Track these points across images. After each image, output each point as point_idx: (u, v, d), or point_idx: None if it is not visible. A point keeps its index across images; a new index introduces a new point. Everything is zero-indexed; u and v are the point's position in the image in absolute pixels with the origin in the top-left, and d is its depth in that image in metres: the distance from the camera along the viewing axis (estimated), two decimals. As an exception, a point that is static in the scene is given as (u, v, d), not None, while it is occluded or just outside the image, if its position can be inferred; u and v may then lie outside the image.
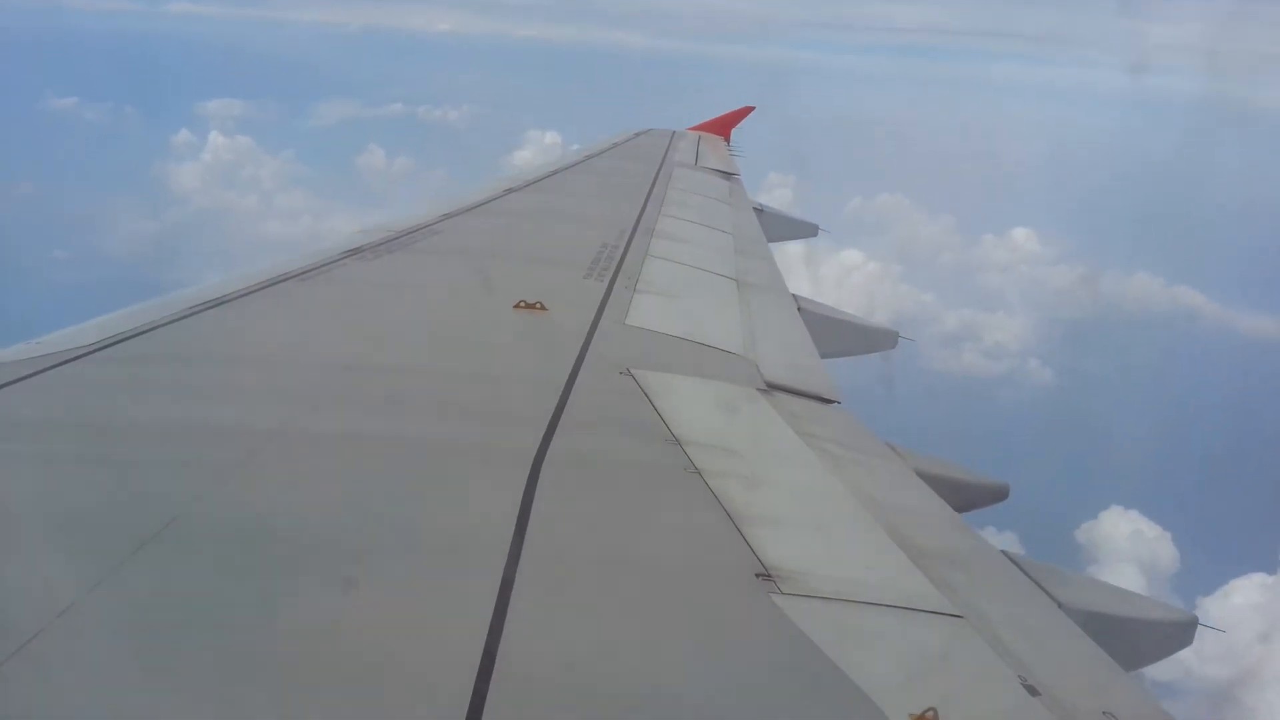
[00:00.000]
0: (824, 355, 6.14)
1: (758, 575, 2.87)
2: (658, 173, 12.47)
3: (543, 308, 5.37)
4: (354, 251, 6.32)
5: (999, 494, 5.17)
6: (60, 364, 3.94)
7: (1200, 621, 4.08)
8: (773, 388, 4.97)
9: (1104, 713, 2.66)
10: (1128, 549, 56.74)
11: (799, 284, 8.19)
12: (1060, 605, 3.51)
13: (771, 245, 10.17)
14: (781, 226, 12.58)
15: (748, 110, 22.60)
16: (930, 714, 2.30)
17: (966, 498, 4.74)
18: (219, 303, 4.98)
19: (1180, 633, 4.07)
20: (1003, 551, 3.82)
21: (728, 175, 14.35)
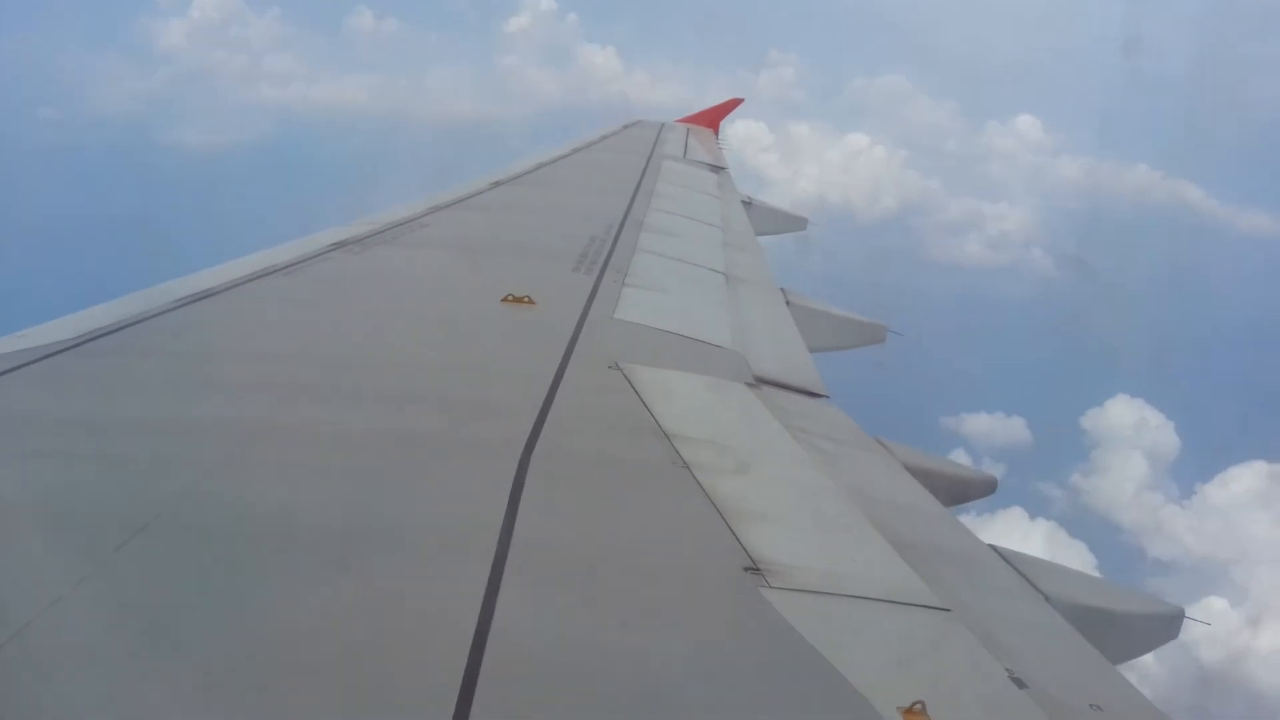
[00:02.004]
0: (811, 350, 6.15)
1: (746, 569, 2.87)
2: (646, 165, 12.45)
3: (531, 301, 5.35)
4: (341, 244, 6.29)
5: (987, 488, 5.20)
6: (43, 358, 3.90)
7: (1186, 615, 4.10)
8: (761, 382, 4.97)
9: (1091, 705, 2.67)
10: (1131, 436, 58.87)
11: (786, 277, 8.20)
12: (1047, 599, 3.53)
13: (760, 239, 10.17)
14: (770, 220, 12.58)
15: (736, 102, 22.63)
16: (918, 707, 2.30)
17: (955, 492, 4.77)
18: (204, 296, 4.95)
19: (1166, 626, 4.09)
20: (990, 546, 3.84)
21: (716, 168, 14.34)
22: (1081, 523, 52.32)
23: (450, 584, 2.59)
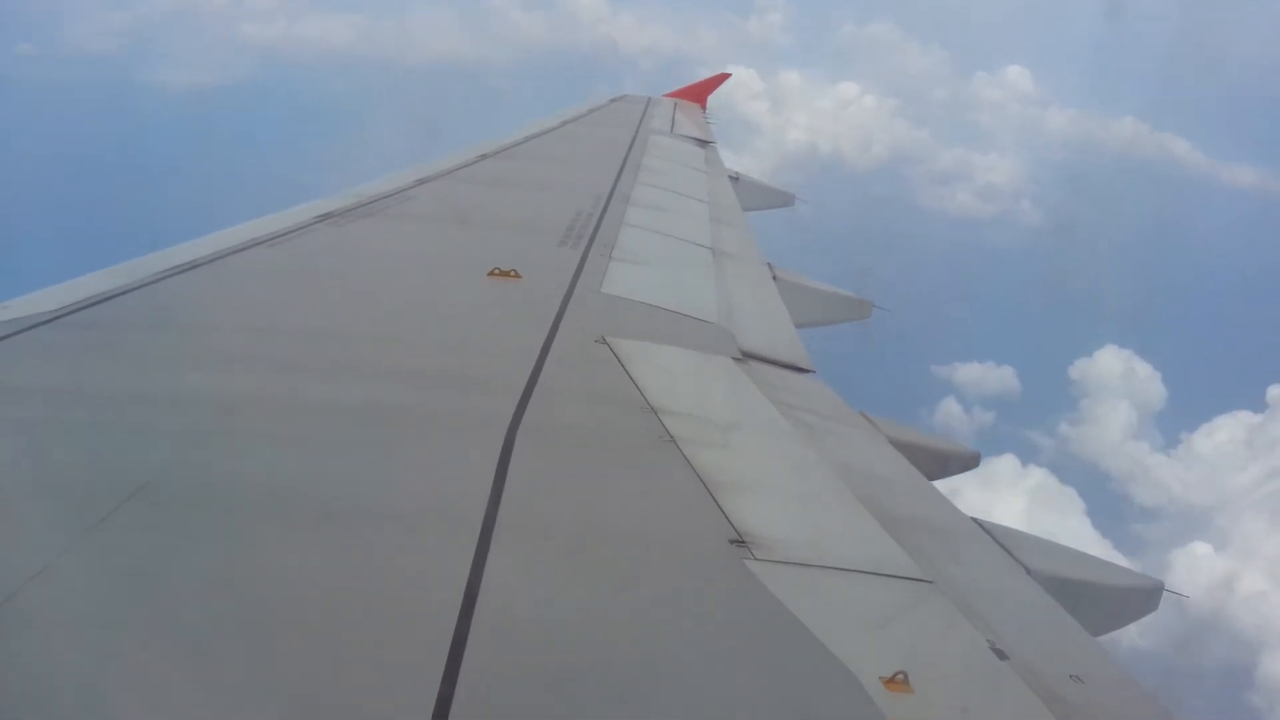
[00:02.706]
0: (797, 324, 6.17)
1: (731, 541, 2.89)
2: (633, 140, 12.39)
3: (517, 275, 5.34)
4: (326, 217, 6.24)
5: (969, 462, 5.24)
6: (25, 330, 3.87)
7: (1166, 588, 4.16)
8: (748, 356, 4.98)
9: (1071, 676, 2.70)
10: (1119, 386, 60.51)
11: (777, 238, 8.19)
12: (1029, 571, 3.57)
13: (747, 214, 10.15)
14: (757, 195, 12.54)
15: (724, 77, 22.52)
16: (900, 677, 2.33)
17: (938, 466, 4.80)
18: (187, 268, 4.91)
19: (1146, 599, 4.15)
20: (973, 519, 3.87)
21: (703, 143, 14.28)
22: (1070, 470, 54.01)
23: (438, 556, 2.60)
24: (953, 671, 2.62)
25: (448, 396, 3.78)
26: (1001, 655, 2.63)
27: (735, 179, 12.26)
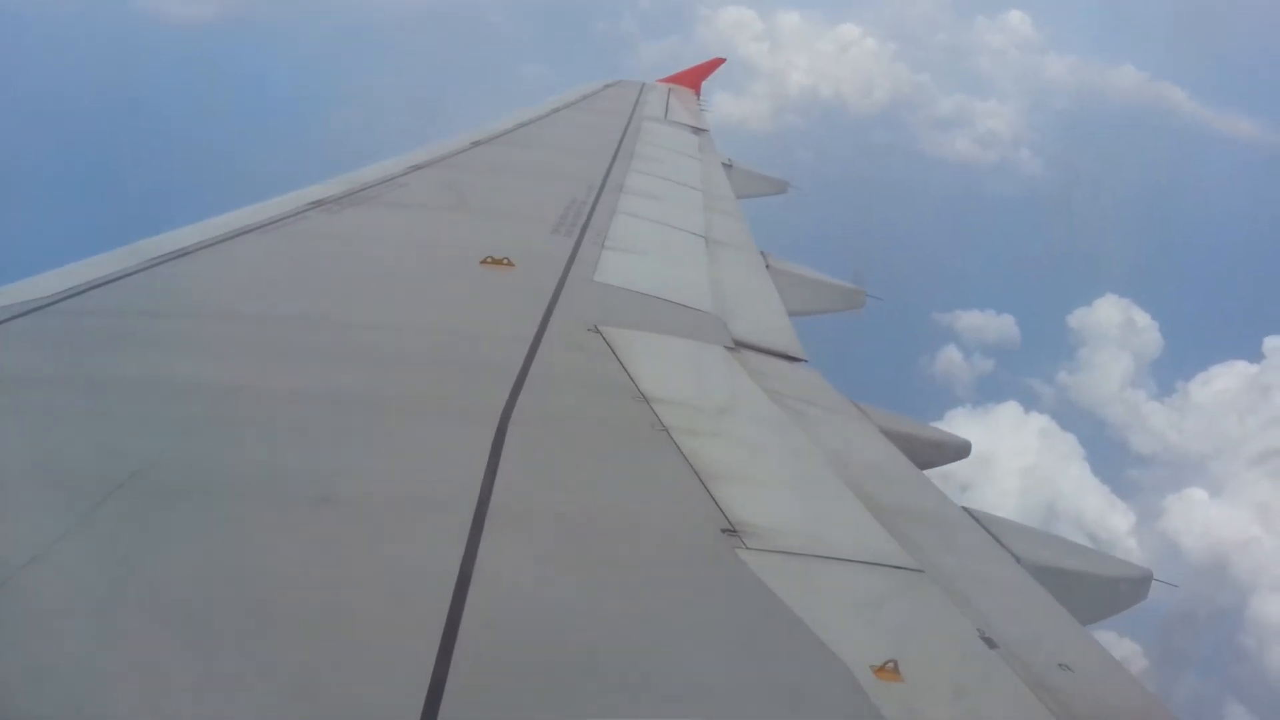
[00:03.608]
0: (791, 313, 6.17)
1: (723, 531, 2.90)
2: (627, 127, 12.35)
3: (510, 263, 5.33)
4: (318, 204, 6.22)
5: (960, 452, 5.26)
6: (13, 318, 3.86)
7: (1155, 577, 4.18)
8: (740, 345, 4.99)
9: (1060, 665, 2.73)
10: (1117, 335, 61.64)
11: (768, 234, 8.20)
12: (1019, 560, 3.59)
13: (740, 201, 10.14)
14: (750, 183, 12.52)
15: (719, 62, 22.48)
16: (891, 665, 2.35)
17: (930, 455, 4.82)
18: (178, 255, 4.89)
19: (1135, 588, 4.17)
20: (964, 508, 3.89)
21: (697, 130, 14.25)
22: (1068, 417, 55.30)
23: (431, 542, 2.60)
24: (943, 660, 2.64)
25: (441, 385, 3.78)
26: (991, 644, 2.65)
27: (729, 166, 12.25)
